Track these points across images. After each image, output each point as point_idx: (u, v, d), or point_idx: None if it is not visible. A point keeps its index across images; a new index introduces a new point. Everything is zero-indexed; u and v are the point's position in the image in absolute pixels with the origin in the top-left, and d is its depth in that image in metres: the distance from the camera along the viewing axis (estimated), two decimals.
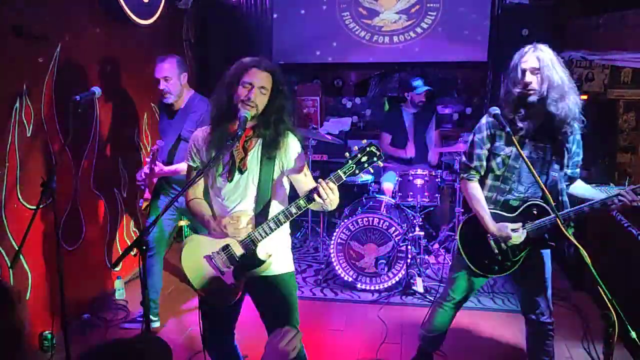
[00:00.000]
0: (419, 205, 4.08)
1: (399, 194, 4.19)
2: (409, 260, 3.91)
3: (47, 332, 3.07)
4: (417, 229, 4.04)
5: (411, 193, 4.12)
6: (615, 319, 1.56)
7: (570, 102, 2.22)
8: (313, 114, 5.74)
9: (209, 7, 5.48)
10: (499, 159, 2.36)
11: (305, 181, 2.14)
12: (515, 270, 2.45)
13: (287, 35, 5.84)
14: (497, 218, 2.37)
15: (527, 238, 2.34)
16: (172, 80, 3.16)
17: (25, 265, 3.02)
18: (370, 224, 3.94)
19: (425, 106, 4.83)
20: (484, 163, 2.41)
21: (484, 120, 2.41)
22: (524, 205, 2.35)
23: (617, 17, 4.55)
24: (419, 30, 5.69)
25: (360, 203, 4.27)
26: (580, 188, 2.43)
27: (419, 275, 3.99)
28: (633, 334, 1.57)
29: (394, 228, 3.90)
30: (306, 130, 4.60)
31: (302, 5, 5.81)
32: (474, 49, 5.51)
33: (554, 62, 2.23)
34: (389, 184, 4.59)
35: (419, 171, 4.19)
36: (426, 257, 4.40)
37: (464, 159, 2.48)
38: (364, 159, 1.89)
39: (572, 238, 1.84)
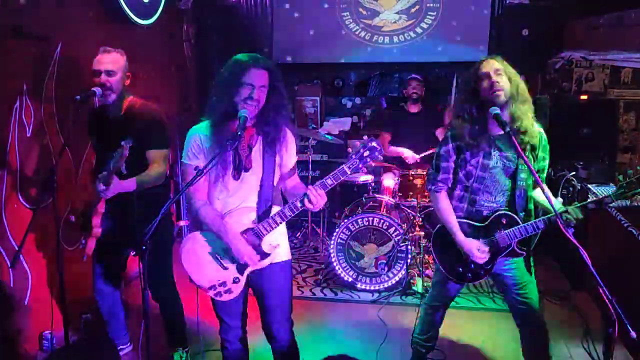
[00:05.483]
0: (419, 205, 4.08)
1: (399, 194, 4.19)
2: (409, 260, 3.91)
3: (47, 332, 3.07)
4: (417, 229, 4.03)
5: (411, 193, 4.12)
6: (616, 318, 1.56)
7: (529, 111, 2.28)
8: (313, 114, 5.74)
9: (209, 7, 5.48)
10: (465, 171, 2.38)
11: (291, 176, 2.27)
12: (496, 283, 2.54)
13: (287, 35, 5.85)
14: (467, 227, 2.39)
15: (498, 248, 2.34)
16: (117, 75, 2.61)
17: (25, 265, 3.02)
18: (370, 224, 3.94)
19: (425, 105, 4.82)
20: (451, 175, 2.42)
21: (449, 132, 2.41)
22: (494, 215, 2.36)
23: (617, 17, 4.55)
24: (419, 30, 5.69)
25: (360, 203, 4.27)
26: (539, 193, 2.41)
27: (419, 275, 3.99)
28: (633, 334, 1.57)
29: (394, 228, 3.90)
30: (306, 130, 4.60)
31: (302, 5, 5.81)
32: (474, 48, 5.51)
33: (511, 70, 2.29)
34: (389, 183, 4.59)
35: (419, 171, 4.19)
36: (426, 257, 4.40)
37: (431, 170, 2.49)
38: (366, 153, 1.99)
39: (572, 238, 1.84)
